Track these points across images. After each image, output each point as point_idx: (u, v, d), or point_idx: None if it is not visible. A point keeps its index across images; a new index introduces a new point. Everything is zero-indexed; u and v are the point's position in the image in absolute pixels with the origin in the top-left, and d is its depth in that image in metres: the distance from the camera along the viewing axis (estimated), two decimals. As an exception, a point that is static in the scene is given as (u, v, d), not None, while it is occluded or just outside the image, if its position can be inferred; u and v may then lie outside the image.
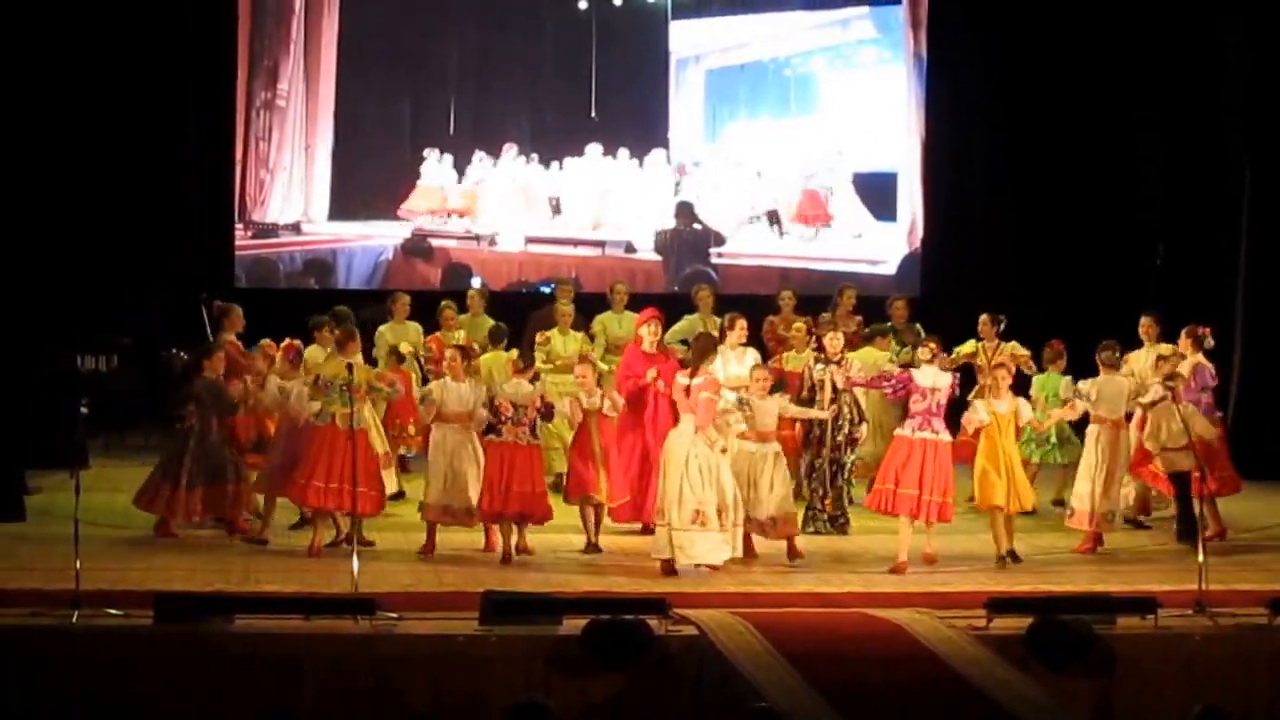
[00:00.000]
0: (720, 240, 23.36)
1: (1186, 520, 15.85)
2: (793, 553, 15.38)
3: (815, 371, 16.50)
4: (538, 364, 17.34)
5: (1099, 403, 15.99)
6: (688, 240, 23.31)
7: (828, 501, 16.39)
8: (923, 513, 15.08)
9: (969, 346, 18.12)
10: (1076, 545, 15.96)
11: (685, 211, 23.34)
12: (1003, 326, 18.18)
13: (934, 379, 15.29)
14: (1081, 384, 16.18)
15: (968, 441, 15.78)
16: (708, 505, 14.60)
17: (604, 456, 15.89)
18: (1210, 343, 16.77)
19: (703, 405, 14.80)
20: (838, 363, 16.39)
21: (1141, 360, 17.01)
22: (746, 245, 23.48)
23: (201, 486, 15.55)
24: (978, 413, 15.50)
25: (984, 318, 18.28)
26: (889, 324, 18.76)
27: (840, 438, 16.51)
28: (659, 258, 23.27)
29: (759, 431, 15.28)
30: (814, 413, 16.38)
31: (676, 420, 15.22)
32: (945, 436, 15.24)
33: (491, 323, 18.56)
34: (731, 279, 22.86)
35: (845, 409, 16.48)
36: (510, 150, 22.96)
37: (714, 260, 23.23)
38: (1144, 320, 17.45)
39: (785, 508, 15.36)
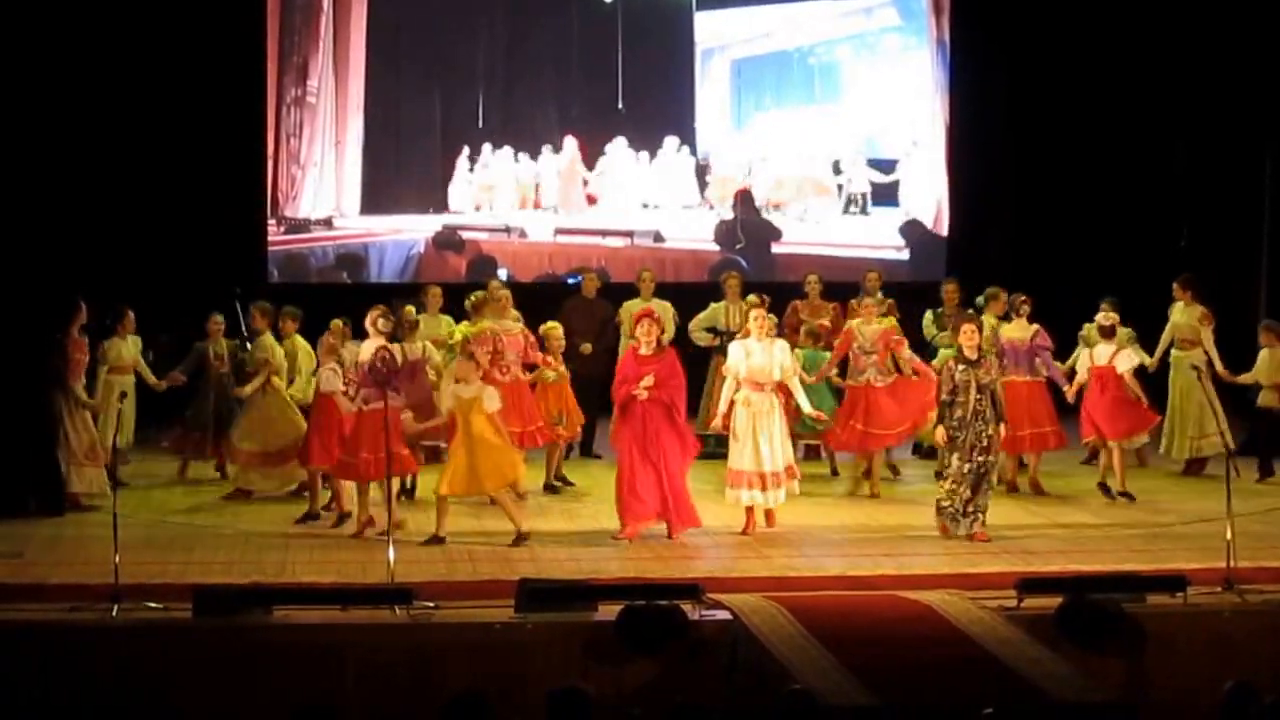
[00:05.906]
0: (777, 232, 23.48)
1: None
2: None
3: (958, 374, 15.52)
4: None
5: None
6: (752, 229, 23.41)
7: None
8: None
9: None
10: None
11: (747, 201, 23.47)
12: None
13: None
14: None
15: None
16: None
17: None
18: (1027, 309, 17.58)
19: None
20: (976, 362, 15.56)
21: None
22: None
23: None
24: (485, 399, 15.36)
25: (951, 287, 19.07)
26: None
27: (985, 441, 15.51)
28: (717, 248, 23.37)
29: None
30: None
31: (671, 420, 15.29)
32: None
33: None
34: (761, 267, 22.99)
35: (986, 410, 15.51)
36: (538, 143, 23.08)
37: (737, 249, 23.33)
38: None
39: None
